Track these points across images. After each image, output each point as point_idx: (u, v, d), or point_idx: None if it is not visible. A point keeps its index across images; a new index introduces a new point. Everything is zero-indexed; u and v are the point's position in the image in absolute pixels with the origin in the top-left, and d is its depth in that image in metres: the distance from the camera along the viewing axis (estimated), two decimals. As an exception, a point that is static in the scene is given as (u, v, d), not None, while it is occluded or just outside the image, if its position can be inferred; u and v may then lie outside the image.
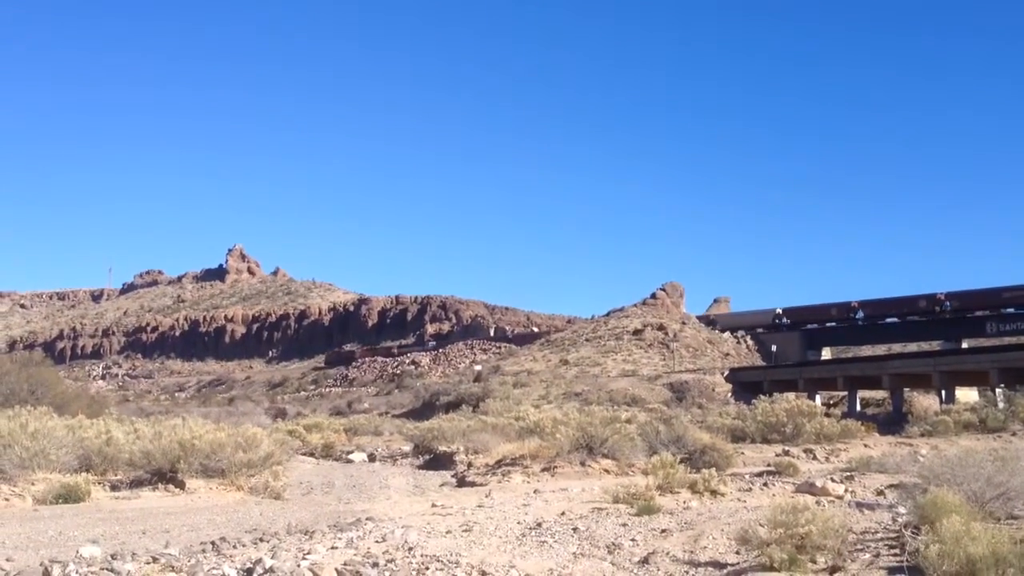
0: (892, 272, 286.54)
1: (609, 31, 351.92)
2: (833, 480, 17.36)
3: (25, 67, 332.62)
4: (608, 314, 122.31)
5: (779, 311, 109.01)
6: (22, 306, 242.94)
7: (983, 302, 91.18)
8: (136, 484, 19.93)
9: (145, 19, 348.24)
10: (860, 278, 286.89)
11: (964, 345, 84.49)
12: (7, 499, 17.58)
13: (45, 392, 36.10)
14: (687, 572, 10.25)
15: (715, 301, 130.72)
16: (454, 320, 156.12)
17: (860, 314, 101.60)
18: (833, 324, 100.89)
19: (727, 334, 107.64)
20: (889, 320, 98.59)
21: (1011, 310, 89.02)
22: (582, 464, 23.07)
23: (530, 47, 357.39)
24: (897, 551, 10.22)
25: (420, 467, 32.52)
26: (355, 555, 11.38)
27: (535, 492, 18.50)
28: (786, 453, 26.37)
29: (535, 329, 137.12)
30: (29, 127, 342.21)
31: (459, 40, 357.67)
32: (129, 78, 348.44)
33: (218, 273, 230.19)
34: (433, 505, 16.81)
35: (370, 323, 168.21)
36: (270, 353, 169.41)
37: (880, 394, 65.66)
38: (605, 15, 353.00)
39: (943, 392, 56.86)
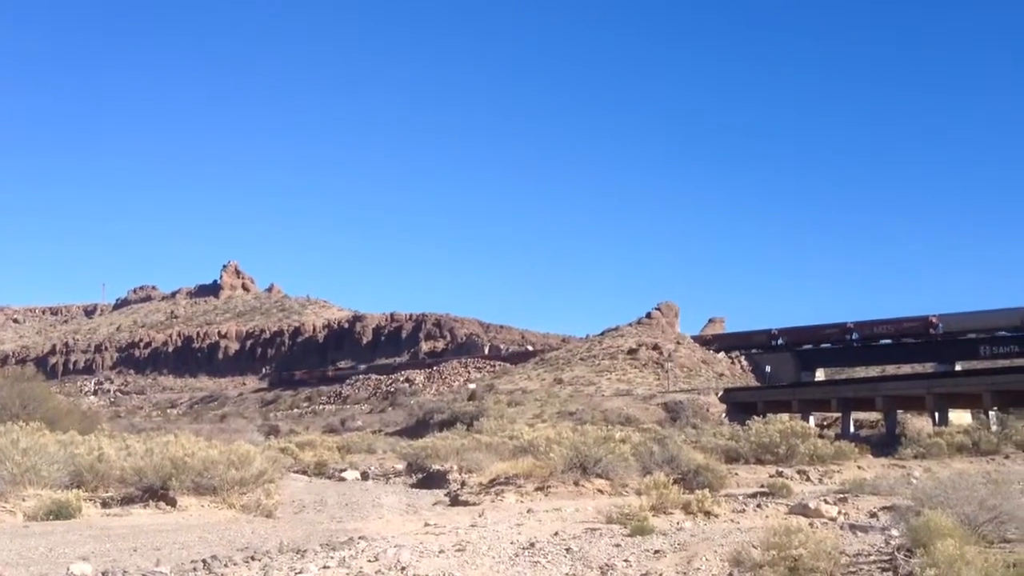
0: (888, 292, 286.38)
1: (604, 43, 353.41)
2: (827, 502, 17.36)
3: (18, 80, 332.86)
4: (603, 333, 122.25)
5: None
6: (15, 320, 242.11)
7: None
8: (127, 501, 19.85)
9: (140, 33, 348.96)
10: (861, 298, 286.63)
11: (958, 367, 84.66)
12: (-2, 515, 17.50)
13: (37, 407, 35.98)
14: (680, 594, 10.23)
15: (710, 321, 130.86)
16: (449, 338, 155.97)
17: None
18: (828, 345, 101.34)
19: (722, 354, 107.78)
20: (883, 341, 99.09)
21: (1004, 333, 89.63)
22: (576, 484, 23.02)
23: (525, 62, 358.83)
24: (890, 574, 10.23)
25: (413, 485, 32.46)
26: (347, 574, 11.36)
27: (528, 511, 18.45)
28: (780, 474, 26.36)
29: (530, 347, 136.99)
30: (22, 141, 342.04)
31: (453, 55, 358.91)
32: (123, 92, 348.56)
33: (212, 289, 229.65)
34: (426, 524, 16.76)
35: (365, 340, 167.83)
36: (264, 370, 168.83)
37: (874, 415, 65.67)
38: (601, 27, 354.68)
39: (936, 414, 56.85)
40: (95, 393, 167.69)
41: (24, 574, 11.55)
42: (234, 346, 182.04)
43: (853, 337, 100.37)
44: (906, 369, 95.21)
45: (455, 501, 23.82)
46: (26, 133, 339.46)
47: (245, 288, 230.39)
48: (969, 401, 58.12)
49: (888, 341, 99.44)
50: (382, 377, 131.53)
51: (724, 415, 71.00)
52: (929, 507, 11.74)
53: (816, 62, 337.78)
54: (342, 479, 35.19)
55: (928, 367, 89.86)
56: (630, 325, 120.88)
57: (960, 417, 57.78)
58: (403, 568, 11.60)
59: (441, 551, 13.00)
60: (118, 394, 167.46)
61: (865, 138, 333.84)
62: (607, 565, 11.66)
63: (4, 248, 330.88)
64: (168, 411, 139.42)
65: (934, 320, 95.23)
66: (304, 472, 37.47)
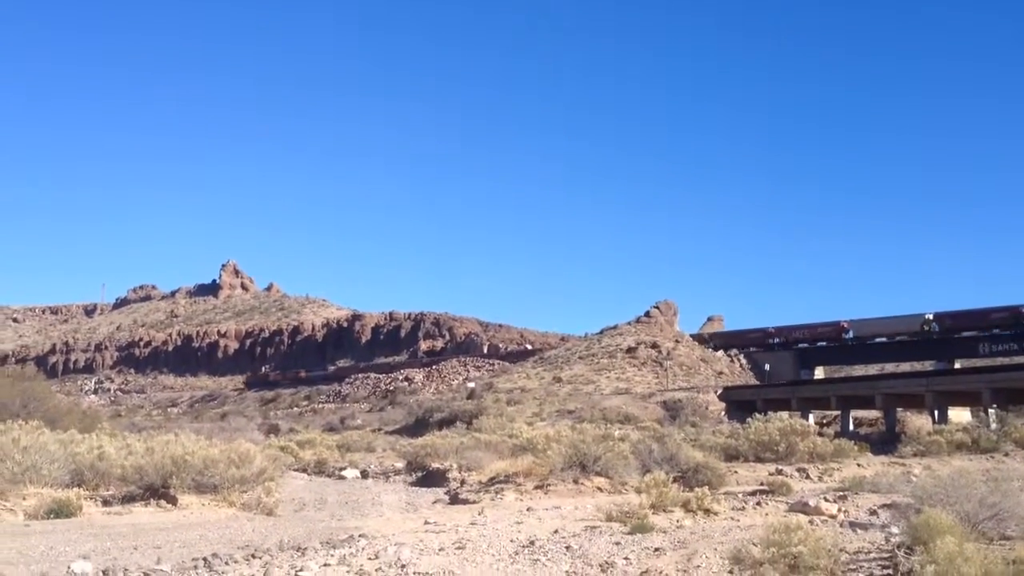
0: (884, 291, 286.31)
1: (603, 48, 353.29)
2: (826, 499, 17.37)
3: (17, 79, 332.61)
4: (601, 332, 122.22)
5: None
6: (15, 320, 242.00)
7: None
8: (128, 499, 19.84)
9: (140, 32, 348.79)
10: (855, 296, 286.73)
11: (956, 365, 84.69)
12: (-2, 514, 17.49)
13: (37, 406, 35.92)
14: (680, 591, 10.23)
15: (708, 319, 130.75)
16: (448, 337, 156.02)
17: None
18: (825, 343, 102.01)
19: (721, 353, 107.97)
20: (879, 340, 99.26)
21: (998, 330, 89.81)
22: (575, 482, 23.03)
23: (524, 66, 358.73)
24: (890, 571, 10.23)
25: (413, 484, 32.46)
26: (348, 572, 11.37)
27: (528, 510, 18.47)
28: (779, 472, 26.37)
29: (529, 346, 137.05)
30: (22, 141, 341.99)
31: (451, 57, 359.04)
32: (123, 92, 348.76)
33: (211, 288, 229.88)
34: (426, 522, 16.77)
35: (364, 339, 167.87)
36: (263, 369, 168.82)
37: (873, 414, 65.61)
38: (600, 33, 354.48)
39: (936, 412, 56.83)
40: (95, 392, 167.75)
41: (25, 573, 11.55)
42: (233, 345, 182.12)
43: (775, 341, 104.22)
44: (904, 367, 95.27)
45: (455, 499, 23.84)
46: (26, 133, 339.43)
47: (244, 287, 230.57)
48: (968, 399, 58.15)
49: (805, 344, 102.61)
50: (381, 376, 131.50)
51: (723, 413, 70.97)
52: (929, 505, 11.76)
53: (812, 68, 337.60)
54: (342, 477, 35.18)
55: (926, 366, 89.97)
56: (629, 324, 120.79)
57: (959, 415, 57.79)
58: (403, 566, 11.60)
59: (441, 549, 13.01)
60: (118, 393, 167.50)
61: (860, 141, 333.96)
62: (607, 563, 11.67)
63: (4, 248, 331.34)
64: (168, 410, 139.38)
65: (845, 325, 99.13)
66: (304, 470, 37.47)
